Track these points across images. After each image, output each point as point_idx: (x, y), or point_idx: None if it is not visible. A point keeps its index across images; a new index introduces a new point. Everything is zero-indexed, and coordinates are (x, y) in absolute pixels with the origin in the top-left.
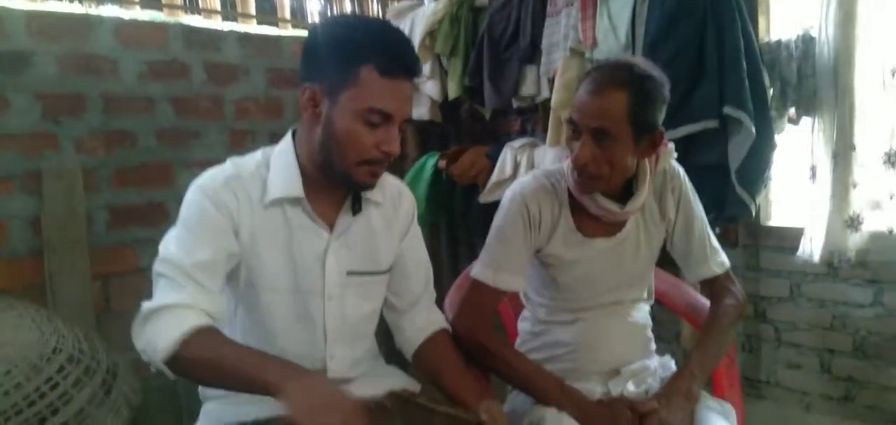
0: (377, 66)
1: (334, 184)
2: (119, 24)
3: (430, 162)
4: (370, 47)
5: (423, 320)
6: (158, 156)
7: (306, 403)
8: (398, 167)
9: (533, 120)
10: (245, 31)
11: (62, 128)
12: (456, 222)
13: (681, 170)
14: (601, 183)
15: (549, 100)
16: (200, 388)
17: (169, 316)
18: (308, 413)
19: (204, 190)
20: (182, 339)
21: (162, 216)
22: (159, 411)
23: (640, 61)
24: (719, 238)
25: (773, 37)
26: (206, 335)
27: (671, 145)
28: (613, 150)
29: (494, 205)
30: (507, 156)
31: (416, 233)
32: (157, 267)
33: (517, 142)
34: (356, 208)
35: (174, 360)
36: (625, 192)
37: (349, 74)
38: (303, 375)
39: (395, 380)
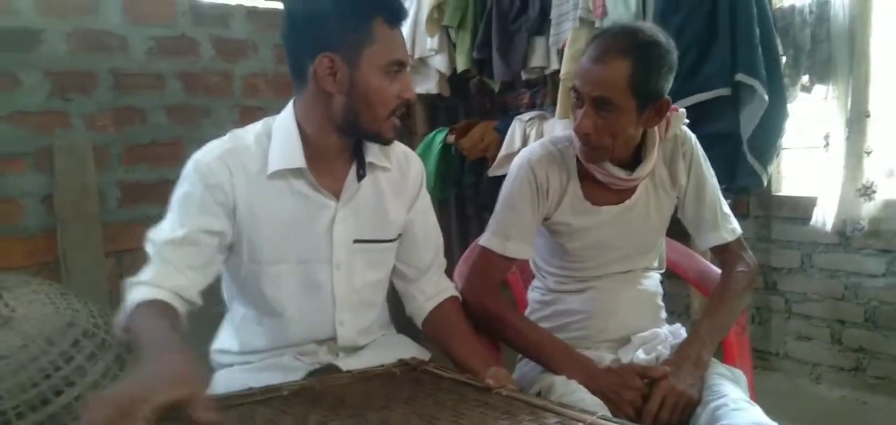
0: (385, 18)
1: (341, 152)
2: None
3: (439, 137)
4: (376, 2)
5: (433, 288)
6: (168, 134)
7: (129, 380)
8: (407, 143)
9: (542, 93)
10: (253, 5)
11: (72, 105)
12: (465, 196)
13: (692, 136)
14: (605, 152)
15: (558, 72)
16: (212, 358)
17: (132, 292)
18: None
19: (197, 165)
20: (128, 313)
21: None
22: None
23: (647, 27)
24: (730, 209)
25: (787, 2)
26: (143, 309)
27: (682, 110)
28: (615, 120)
29: (504, 179)
30: (516, 129)
31: (426, 200)
32: (145, 243)
33: (526, 116)
34: (361, 173)
35: (125, 333)
36: (634, 159)
37: (365, 33)
38: (150, 362)
39: (406, 349)
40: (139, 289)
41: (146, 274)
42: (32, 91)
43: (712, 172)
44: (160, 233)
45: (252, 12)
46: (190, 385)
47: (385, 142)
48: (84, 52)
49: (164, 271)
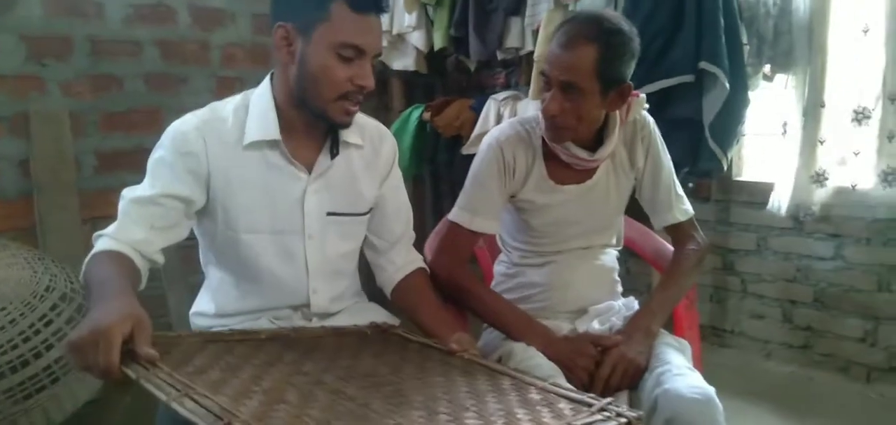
0: (348, 1)
1: (312, 126)
2: None
3: (415, 114)
4: None
5: (403, 259)
6: (145, 101)
7: (84, 319)
8: (384, 119)
9: (517, 73)
10: None
11: (48, 70)
12: (440, 173)
13: (651, 120)
14: (570, 133)
15: (533, 53)
16: (191, 319)
17: (96, 243)
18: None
19: (173, 133)
20: (86, 263)
21: None
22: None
23: (611, 15)
24: (693, 193)
25: None
26: (98, 258)
27: (642, 95)
28: (581, 103)
29: None
30: (490, 108)
31: (397, 175)
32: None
33: (501, 95)
34: (334, 151)
35: (83, 282)
36: (595, 141)
37: (321, 11)
38: (104, 304)
39: (376, 315)
40: (101, 241)
41: (111, 227)
42: (8, 54)
43: (668, 156)
44: (131, 192)
45: None
46: (132, 321)
47: (337, 125)
48: (60, 16)
49: (126, 226)
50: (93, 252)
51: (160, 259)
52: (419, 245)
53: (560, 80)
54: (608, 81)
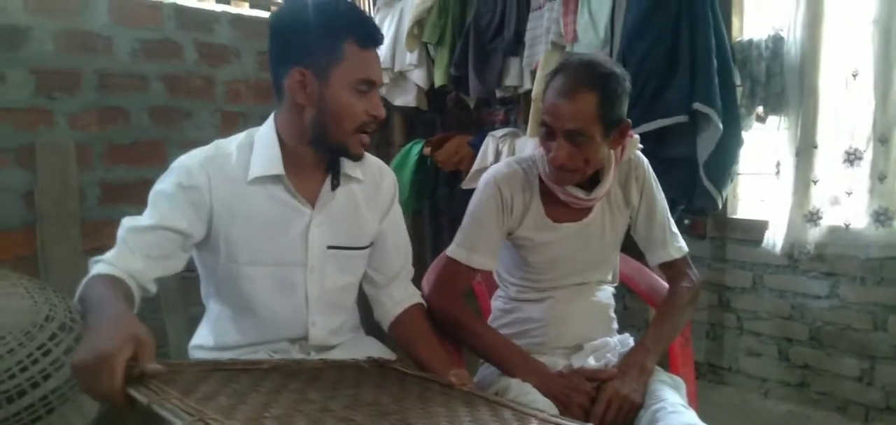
0: (357, 40)
1: (316, 162)
2: (114, 1)
3: (415, 149)
4: (348, 25)
5: (401, 294)
6: (150, 134)
7: (86, 340)
8: (385, 153)
9: (516, 110)
10: (237, 12)
11: (56, 103)
12: (439, 207)
13: (644, 160)
14: (578, 176)
15: (531, 91)
16: (190, 351)
17: (92, 268)
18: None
19: (178, 168)
20: (82, 285)
21: None
22: None
23: (602, 58)
24: (688, 230)
25: (746, 36)
26: (94, 280)
27: (636, 136)
28: (588, 147)
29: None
30: (489, 144)
31: (397, 211)
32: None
33: (499, 132)
34: (335, 183)
35: (78, 303)
36: (591, 180)
37: (335, 52)
38: (105, 325)
39: (374, 349)
40: (98, 266)
41: (108, 254)
42: (18, 88)
43: (662, 195)
44: (130, 221)
45: (236, 19)
46: (134, 342)
47: (353, 157)
48: (70, 51)
49: (123, 254)
50: (89, 275)
51: (153, 288)
52: (418, 278)
53: (565, 130)
54: (609, 123)
